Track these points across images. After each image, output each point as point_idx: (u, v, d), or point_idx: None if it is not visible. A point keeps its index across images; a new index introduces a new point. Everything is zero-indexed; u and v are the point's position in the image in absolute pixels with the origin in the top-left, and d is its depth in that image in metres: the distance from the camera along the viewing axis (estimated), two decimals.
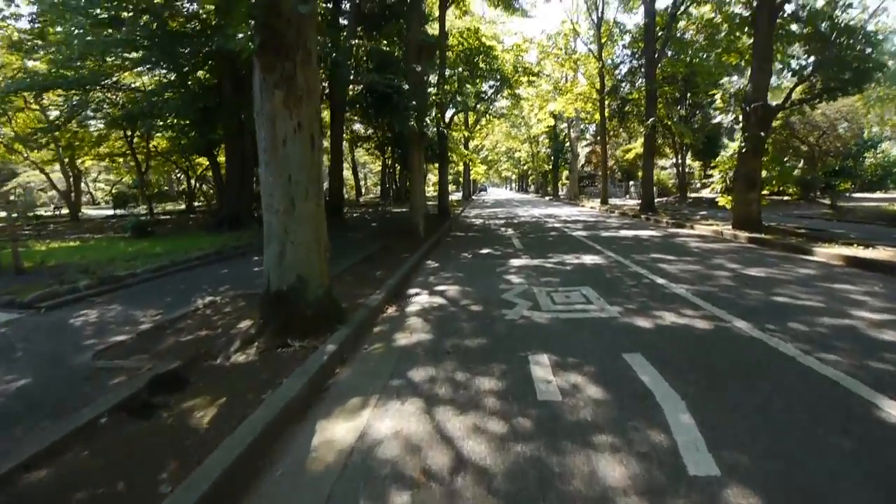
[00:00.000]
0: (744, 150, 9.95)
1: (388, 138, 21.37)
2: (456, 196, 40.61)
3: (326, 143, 17.79)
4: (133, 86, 15.86)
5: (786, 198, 20.62)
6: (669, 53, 18.33)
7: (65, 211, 22.47)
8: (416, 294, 5.29)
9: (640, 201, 18.74)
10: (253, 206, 12.74)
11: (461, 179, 47.05)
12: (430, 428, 2.34)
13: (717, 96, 19.98)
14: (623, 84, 22.74)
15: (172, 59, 10.39)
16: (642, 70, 19.58)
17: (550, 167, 41.59)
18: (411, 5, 11.36)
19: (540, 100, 27.73)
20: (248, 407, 2.45)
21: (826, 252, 6.78)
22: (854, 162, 21.14)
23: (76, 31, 9.21)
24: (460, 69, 16.85)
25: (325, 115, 16.66)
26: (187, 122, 13.03)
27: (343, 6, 14.95)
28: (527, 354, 3.26)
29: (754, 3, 10.32)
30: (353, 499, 1.85)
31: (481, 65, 16.87)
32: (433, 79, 12.54)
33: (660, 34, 17.40)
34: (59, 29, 10.90)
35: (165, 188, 30.54)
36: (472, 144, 34.54)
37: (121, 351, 3.49)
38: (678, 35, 17.92)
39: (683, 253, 7.74)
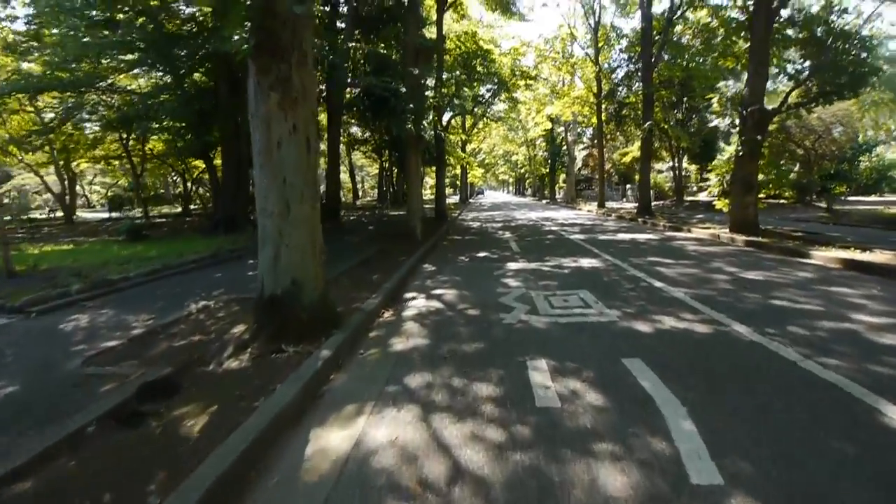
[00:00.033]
0: (741, 154, 9.97)
1: (386, 141, 21.39)
2: (453, 199, 40.63)
3: (324, 146, 17.77)
4: (129, 88, 15.78)
5: (782, 201, 20.68)
6: (666, 57, 18.38)
7: (59, 214, 22.32)
8: (413, 298, 5.24)
9: (636, 204, 18.76)
10: (249, 209, 12.68)
11: (458, 183, 47.07)
12: (426, 436, 2.29)
13: (714, 100, 20.08)
14: (620, 88, 22.83)
15: (168, 62, 10.35)
16: (639, 74, 19.67)
17: (547, 170, 41.66)
18: (409, 9, 11.36)
19: (537, 103, 27.77)
20: (241, 414, 2.39)
21: (823, 255, 6.77)
22: (849, 165, 21.21)
23: (71, 33, 9.14)
24: (458, 72, 16.85)
25: (323, 117, 16.63)
26: (183, 124, 12.98)
27: (340, 10, 14.96)
28: (525, 359, 3.22)
29: (751, 8, 10.38)
30: None
31: (479, 68, 16.90)
32: (430, 82, 12.52)
33: (656, 38, 17.46)
34: (54, 31, 10.84)
35: (161, 191, 30.39)
36: (469, 148, 34.55)
37: (112, 357, 3.42)
38: (675, 39, 17.99)
39: (681, 256, 7.72)
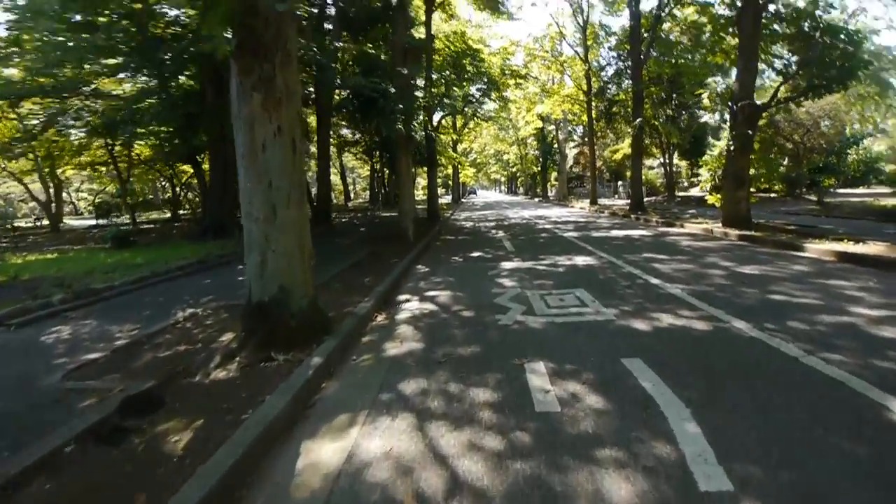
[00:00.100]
0: (732, 149, 9.98)
1: (376, 142, 21.18)
2: (445, 199, 40.52)
3: (314, 148, 17.61)
4: (114, 93, 15.50)
5: (772, 195, 20.84)
6: (655, 55, 18.45)
7: (45, 222, 21.91)
8: (407, 301, 5.14)
9: (629, 201, 18.80)
10: (237, 214, 12.49)
11: (450, 182, 47.01)
12: (422, 446, 2.20)
13: (704, 96, 20.17)
14: (610, 86, 22.86)
15: (153, 65, 10.15)
16: (628, 71, 19.71)
17: (539, 169, 41.70)
18: (397, 9, 11.24)
19: (527, 102, 27.76)
20: (228, 428, 2.28)
21: (817, 248, 6.77)
22: (837, 159, 21.46)
23: (50, 37, 8.92)
24: (447, 72, 16.77)
25: (312, 119, 16.47)
26: (170, 129, 12.75)
27: (328, 11, 14.80)
28: (522, 362, 3.13)
29: (739, 4, 10.39)
30: None
31: (468, 68, 16.81)
32: (420, 82, 12.43)
33: (645, 36, 17.51)
34: (35, 35, 10.60)
35: (150, 197, 29.99)
36: (460, 147, 34.53)
37: (93, 370, 3.29)
38: (663, 37, 18.04)
39: (676, 252, 7.69)
